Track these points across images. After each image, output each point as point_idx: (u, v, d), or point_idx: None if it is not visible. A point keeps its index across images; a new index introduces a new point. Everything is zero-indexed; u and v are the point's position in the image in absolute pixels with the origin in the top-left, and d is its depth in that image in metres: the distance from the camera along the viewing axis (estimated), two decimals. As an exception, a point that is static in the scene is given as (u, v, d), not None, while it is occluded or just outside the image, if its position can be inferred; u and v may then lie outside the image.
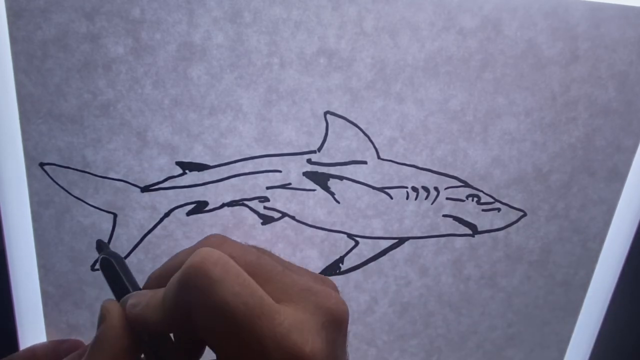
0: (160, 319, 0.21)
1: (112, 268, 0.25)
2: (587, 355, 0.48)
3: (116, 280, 0.25)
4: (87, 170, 0.38)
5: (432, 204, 0.40)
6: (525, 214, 0.42)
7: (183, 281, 0.20)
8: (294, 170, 0.39)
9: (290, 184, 0.39)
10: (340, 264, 0.42)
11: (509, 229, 0.42)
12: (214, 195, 0.39)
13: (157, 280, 0.24)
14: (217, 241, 0.23)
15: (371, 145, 0.38)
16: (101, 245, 0.27)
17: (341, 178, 0.39)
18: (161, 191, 0.39)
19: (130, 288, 0.24)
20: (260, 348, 0.19)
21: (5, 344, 0.42)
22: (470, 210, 0.41)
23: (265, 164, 0.38)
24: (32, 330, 0.43)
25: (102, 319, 0.23)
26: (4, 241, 0.39)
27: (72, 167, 0.37)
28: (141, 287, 0.25)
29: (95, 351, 0.23)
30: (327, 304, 0.21)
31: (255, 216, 0.40)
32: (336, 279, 0.42)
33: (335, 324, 0.21)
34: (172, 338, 0.23)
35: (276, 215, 0.40)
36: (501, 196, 0.41)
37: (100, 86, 0.35)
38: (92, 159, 0.37)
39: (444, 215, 0.41)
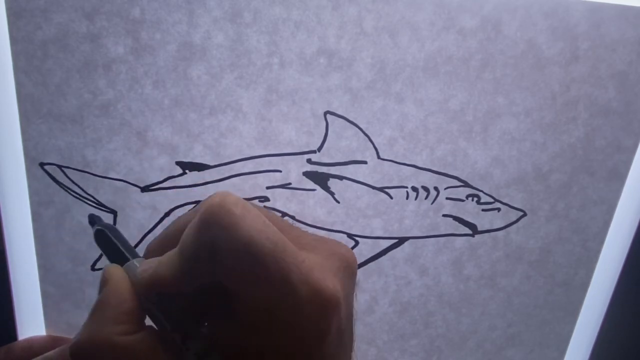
0: (177, 271, 0.21)
1: (108, 239, 0.25)
2: (587, 355, 0.48)
3: (113, 251, 0.25)
4: (87, 170, 0.38)
5: (432, 203, 0.40)
6: (525, 214, 0.42)
7: (205, 221, 0.20)
8: (294, 170, 0.39)
9: (290, 183, 0.39)
10: (340, 264, 0.42)
11: (508, 228, 0.42)
12: (214, 195, 0.39)
13: (157, 248, 0.23)
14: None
15: (371, 145, 0.38)
16: (94, 219, 0.27)
17: (341, 178, 0.39)
18: (161, 191, 0.39)
19: (128, 256, 0.24)
20: (287, 284, 0.19)
21: (5, 344, 0.42)
22: (470, 210, 0.41)
23: (265, 163, 0.38)
24: (32, 330, 0.43)
25: (105, 282, 0.23)
26: (4, 241, 0.39)
27: (72, 167, 0.37)
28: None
29: (97, 314, 0.22)
30: (340, 251, 0.22)
31: (255, 216, 0.40)
32: (336, 279, 0.42)
33: (348, 270, 0.22)
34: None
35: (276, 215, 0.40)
36: (501, 196, 0.41)
37: (100, 86, 0.35)
38: (92, 159, 0.37)
39: (444, 215, 0.41)
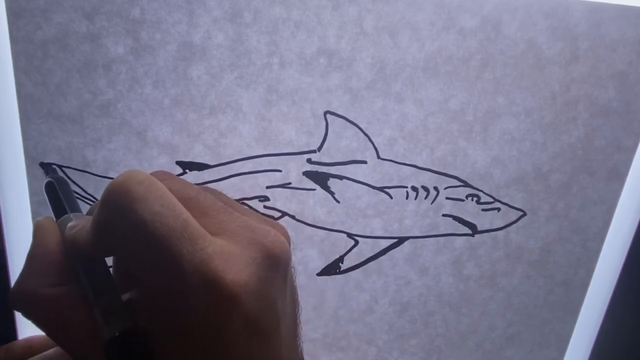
0: (89, 239, 0.21)
1: (55, 191, 0.25)
2: (587, 355, 0.48)
3: (57, 204, 0.24)
4: (87, 170, 0.38)
5: (431, 203, 0.40)
6: (525, 214, 0.42)
7: (104, 199, 0.20)
8: (294, 169, 0.39)
9: (290, 183, 0.39)
10: (340, 264, 0.42)
11: (508, 228, 0.42)
12: (214, 195, 0.39)
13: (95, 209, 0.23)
14: (161, 175, 0.22)
15: (371, 145, 0.38)
16: (47, 170, 0.27)
17: (341, 178, 0.39)
18: (161, 191, 0.39)
19: (68, 209, 0.24)
20: (177, 271, 0.19)
21: (5, 343, 0.42)
22: (470, 210, 0.41)
23: (265, 163, 0.38)
24: (32, 330, 0.43)
25: (34, 235, 0.23)
26: (4, 241, 0.39)
27: (72, 167, 0.37)
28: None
29: (26, 266, 0.22)
30: (262, 240, 0.21)
31: (255, 216, 0.40)
32: (336, 279, 0.42)
33: (270, 261, 0.20)
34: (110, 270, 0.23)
35: (276, 214, 0.40)
36: (501, 196, 0.41)
37: (100, 86, 0.35)
38: (92, 159, 0.37)
39: (444, 215, 0.41)
